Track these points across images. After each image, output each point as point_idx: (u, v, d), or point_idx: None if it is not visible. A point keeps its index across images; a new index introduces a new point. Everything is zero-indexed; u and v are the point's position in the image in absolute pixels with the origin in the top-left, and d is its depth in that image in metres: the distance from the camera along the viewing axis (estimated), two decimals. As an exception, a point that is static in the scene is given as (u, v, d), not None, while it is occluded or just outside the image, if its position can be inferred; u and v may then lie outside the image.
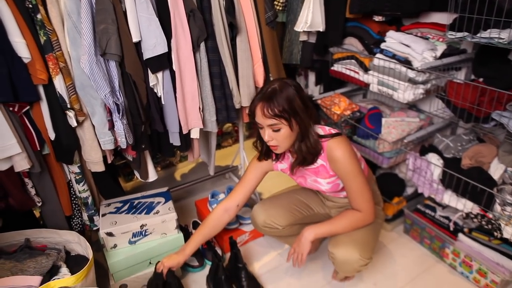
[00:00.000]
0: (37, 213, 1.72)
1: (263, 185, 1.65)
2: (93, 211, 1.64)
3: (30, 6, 1.23)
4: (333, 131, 1.38)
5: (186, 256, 1.50)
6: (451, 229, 1.69)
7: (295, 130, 1.30)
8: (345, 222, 1.43)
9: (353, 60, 1.94)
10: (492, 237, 1.65)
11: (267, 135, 1.30)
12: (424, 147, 1.75)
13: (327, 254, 1.81)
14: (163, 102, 1.54)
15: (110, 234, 1.56)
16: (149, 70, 1.46)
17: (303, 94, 1.30)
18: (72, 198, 1.61)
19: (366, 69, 1.87)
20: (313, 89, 2.40)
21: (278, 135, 1.29)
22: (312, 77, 2.36)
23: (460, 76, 1.79)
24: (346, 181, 1.38)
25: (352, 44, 1.94)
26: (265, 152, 1.46)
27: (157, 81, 1.50)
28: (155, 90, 1.52)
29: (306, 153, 1.34)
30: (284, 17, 2.16)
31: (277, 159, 1.49)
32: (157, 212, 1.64)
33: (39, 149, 1.39)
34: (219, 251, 1.80)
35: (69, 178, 1.56)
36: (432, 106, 1.96)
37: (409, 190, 2.05)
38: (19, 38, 1.22)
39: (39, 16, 1.24)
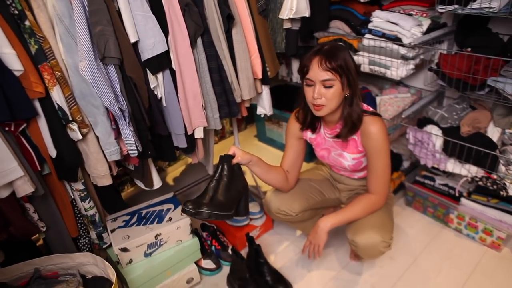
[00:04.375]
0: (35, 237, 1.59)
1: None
2: (101, 228, 1.53)
3: (16, 12, 1.10)
4: (371, 109, 1.39)
5: (255, 159, 1.39)
6: (457, 195, 1.77)
7: (344, 92, 1.29)
8: (359, 207, 1.44)
9: (340, 43, 1.95)
10: (490, 197, 1.76)
11: (316, 92, 1.27)
12: (421, 120, 1.81)
13: (338, 237, 1.85)
14: (164, 104, 1.47)
15: (124, 250, 1.47)
16: (148, 72, 1.38)
17: (354, 59, 1.31)
18: (77, 218, 1.49)
19: (355, 51, 1.90)
20: (298, 77, 2.39)
21: (328, 92, 1.26)
22: (295, 65, 2.35)
23: (443, 48, 1.86)
24: (372, 159, 1.38)
25: (338, 27, 1.96)
26: (308, 123, 1.46)
27: (157, 82, 1.42)
28: (155, 92, 1.43)
29: (356, 119, 1.33)
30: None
31: (312, 131, 1.49)
32: (170, 219, 1.57)
33: (39, 169, 1.27)
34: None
35: (72, 196, 1.44)
36: (419, 80, 2.03)
37: (405, 164, 2.12)
38: (8, 49, 1.09)
39: (27, 22, 1.12)
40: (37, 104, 1.20)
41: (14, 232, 1.32)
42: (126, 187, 2.33)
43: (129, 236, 1.49)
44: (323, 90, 1.27)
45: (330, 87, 1.26)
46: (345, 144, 1.46)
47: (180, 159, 2.56)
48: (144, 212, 1.64)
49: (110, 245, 1.55)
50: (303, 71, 1.30)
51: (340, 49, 1.28)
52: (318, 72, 1.25)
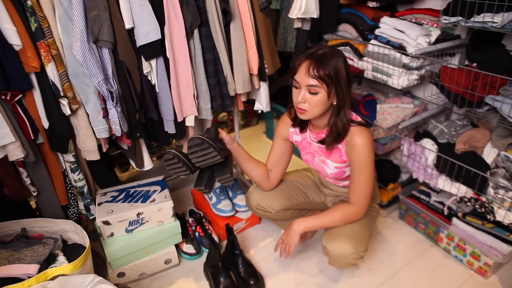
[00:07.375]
0: (33, 204, 1.72)
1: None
2: (89, 200, 1.64)
3: (20, -9, 1.21)
4: (360, 119, 1.37)
5: (238, 144, 1.46)
6: (446, 213, 1.71)
7: (330, 100, 1.28)
8: (336, 216, 1.43)
9: (347, 47, 1.93)
10: (485, 221, 1.68)
11: (301, 96, 1.26)
12: (419, 132, 1.76)
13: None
14: (157, 90, 1.53)
15: (106, 223, 1.56)
16: (142, 58, 1.45)
17: (349, 68, 1.28)
18: (68, 188, 1.60)
19: (360, 56, 1.87)
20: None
21: (313, 99, 1.25)
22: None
23: (454, 61, 1.79)
24: (355, 170, 1.36)
25: (347, 30, 1.94)
26: (299, 121, 1.46)
27: (151, 69, 1.48)
28: (149, 78, 1.50)
29: (341, 129, 1.32)
30: (278, 5, 2.14)
31: (300, 130, 1.49)
32: (153, 201, 1.64)
33: (32, 138, 1.38)
34: (216, 239, 1.81)
35: (64, 167, 1.55)
36: (426, 92, 1.96)
37: (404, 176, 2.06)
38: (9, 25, 1.20)
39: (29, 2, 1.22)
40: (34, 78, 1.31)
41: (7, 193, 1.45)
42: (131, 167, 2.44)
43: (112, 211, 1.58)
44: (308, 96, 1.26)
45: (315, 94, 1.25)
46: (329, 152, 1.45)
47: (187, 146, 2.64)
48: (132, 190, 1.72)
49: (97, 217, 1.65)
50: (292, 72, 1.30)
51: (334, 56, 1.23)
52: (304, 77, 1.24)
